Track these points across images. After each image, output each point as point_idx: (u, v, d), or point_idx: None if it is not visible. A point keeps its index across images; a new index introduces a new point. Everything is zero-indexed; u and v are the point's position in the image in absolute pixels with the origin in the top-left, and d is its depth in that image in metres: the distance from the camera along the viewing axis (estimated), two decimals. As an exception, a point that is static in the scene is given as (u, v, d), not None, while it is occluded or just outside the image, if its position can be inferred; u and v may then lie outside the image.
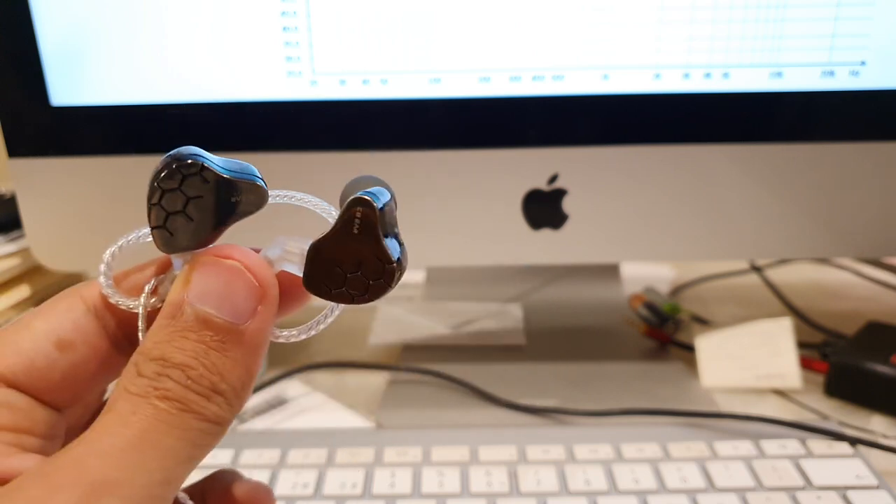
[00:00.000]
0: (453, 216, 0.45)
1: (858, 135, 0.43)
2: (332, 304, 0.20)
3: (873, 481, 0.35)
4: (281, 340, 0.20)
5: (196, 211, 0.18)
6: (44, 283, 0.52)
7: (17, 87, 0.43)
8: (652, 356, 0.51)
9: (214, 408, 0.17)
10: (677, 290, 0.65)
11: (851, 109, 0.43)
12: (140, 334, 0.19)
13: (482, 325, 0.56)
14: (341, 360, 0.51)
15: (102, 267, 0.19)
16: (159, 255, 0.19)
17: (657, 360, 0.51)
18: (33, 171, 0.44)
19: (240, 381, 0.18)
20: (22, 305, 0.50)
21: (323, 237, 0.19)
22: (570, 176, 0.45)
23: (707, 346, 0.48)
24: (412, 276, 0.67)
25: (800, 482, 0.35)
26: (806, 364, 0.47)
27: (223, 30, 0.41)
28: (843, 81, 0.42)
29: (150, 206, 0.18)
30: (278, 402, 0.46)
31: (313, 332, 0.20)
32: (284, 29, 0.41)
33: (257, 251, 0.19)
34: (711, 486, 0.35)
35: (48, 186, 0.45)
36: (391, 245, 0.19)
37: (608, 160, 0.44)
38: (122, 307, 0.19)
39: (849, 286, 0.66)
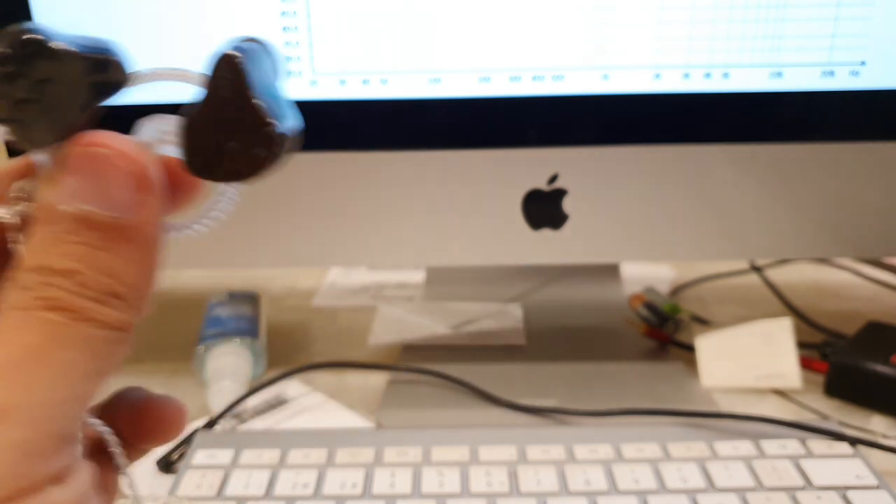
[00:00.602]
0: (453, 216, 0.45)
1: (858, 135, 0.43)
2: (222, 186, 0.18)
3: (873, 481, 0.35)
4: (178, 236, 0.18)
5: (49, 96, 0.15)
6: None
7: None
8: (652, 356, 0.51)
9: (114, 312, 0.15)
10: (677, 290, 0.64)
11: (851, 109, 0.43)
12: (15, 246, 0.16)
13: (482, 325, 0.56)
14: (341, 360, 0.51)
15: None
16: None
17: (657, 360, 0.51)
18: (33, 171, 0.44)
19: (138, 278, 0.16)
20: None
21: (192, 107, 0.16)
22: (570, 176, 0.45)
23: (707, 346, 0.48)
24: (412, 276, 0.67)
25: (800, 482, 0.35)
26: (806, 364, 0.47)
27: (223, 30, 0.41)
28: (843, 81, 0.42)
29: None
30: (278, 402, 0.46)
31: (212, 223, 0.18)
32: (284, 29, 0.41)
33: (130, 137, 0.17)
34: (711, 486, 0.35)
35: (48, 186, 0.45)
36: (270, 103, 0.16)
37: (608, 160, 0.44)
38: None
39: (849, 286, 0.65)
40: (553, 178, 0.45)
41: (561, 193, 0.45)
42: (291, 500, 0.35)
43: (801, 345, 0.48)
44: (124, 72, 0.16)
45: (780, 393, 0.46)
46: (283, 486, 0.36)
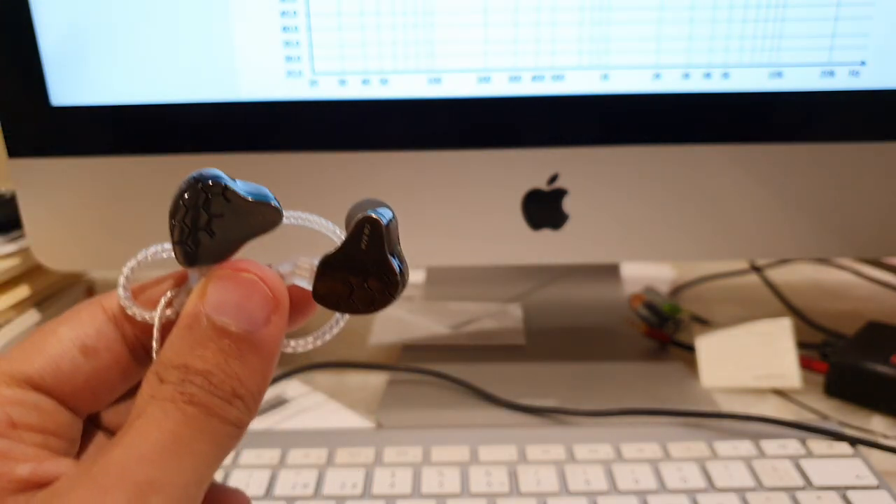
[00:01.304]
0: (453, 216, 0.45)
1: (858, 135, 0.43)
2: (338, 315, 0.21)
3: (873, 481, 0.35)
4: (290, 350, 0.21)
5: (217, 229, 0.19)
6: (44, 283, 0.52)
7: (17, 87, 0.43)
8: (652, 356, 0.51)
9: (235, 412, 0.18)
10: (677, 290, 0.64)
11: (851, 109, 0.43)
12: (154, 344, 0.20)
13: (482, 325, 0.56)
14: (341, 360, 0.51)
15: (121, 279, 0.20)
16: (177, 268, 0.20)
17: (657, 360, 0.51)
18: (33, 171, 0.44)
19: (257, 386, 0.19)
20: (22, 305, 0.50)
21: (333, 252, 0.20)
22: (570, 176, 0.45)
23: (707, 346, 0.48)
24: (412, 276, 0.67)
25: (800, 482, 0.35)
26: (806, 364, 0.47)
27: (223, 30, 0.41)
28: (842, 81, 0.42)
29: (174, 222, 0.19)
30: (278, 402, 0.46)
31: (320, 343, 0.22)
32: (284, 29, 0.41)
33: (269, 266, 0.20)
34: (711, 486, 0.35)
35: (48, 186, 0.45)
36: (394, 260, 0.20)
37: (608, 160, 0.44)
38: (139, 318, 0.20)
39: (849, 286, 0.66)
40: (553, 178, 0.45)
41: (561, 193, 0.45)
42: (291, 500, 0.35)
43: (801, 345, 0.48)
44: (277, 217, 0.20)
45: (780, 393, 0.46)
46: (283, 485, 0.36)
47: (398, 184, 0.45)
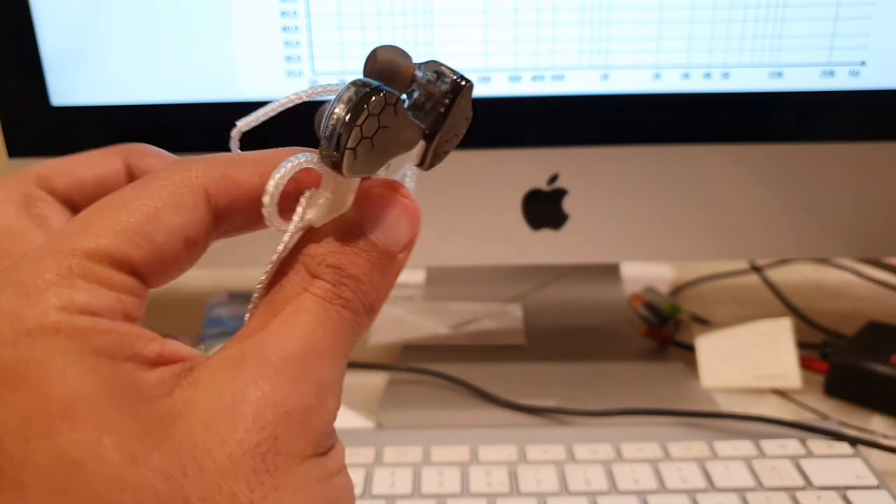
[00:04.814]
0: (453, 216, 0.45)
1: (858, 135, 0.43)
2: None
3: (873, 481, 0.35)
4: None
5: (380, 141, 0.18)
6: (44, 283, 0.52)
7: (17, 87, 0.43)
8: (652, 356, 0.51)
9: (368, 321, 0.19)
10: (677, 290, 0.64)
11: (851, 109, 0.43)
12: (281, 247, 0.19)
13: (482, 325, 0.56)
14: (341, 360, 0.51)
15: (273, 191, 0.19)
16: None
17: (657, 360, 0.51)
18: (33, 171, 0.44)
19: (382, 302, 0.20)
20: (22, 305, 0.50)
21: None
22: (570, 176, 0.45)
23: (707, 346, 0.48)
24: (412, 276, 0.67)
25: (800, 482, 0.35)
26: (806, 364, 0.47)
27: (223, 30, 0.41)
28: (842, 81, 0.42)
29: (351, 126, 0.18)
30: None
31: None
32: (284, 29, 0.41)
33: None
34: (711, 486, 0.35)
35: (48, 186, 0.45)
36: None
37: (608, 160, 0.44)
38: (274, 230, 0.19)
39: (849, 286, 0.65)
40: (553, 178, 0.45)
41: (561, 193, 0.45)
42: (291, 500, 0.35)
43: (801, 345, 0.48)
44: (419, 136, 0.20)
45: (780, 393, 0.46)
46: (283, 486, 0.36)
47: (398, 184, 0.45)
